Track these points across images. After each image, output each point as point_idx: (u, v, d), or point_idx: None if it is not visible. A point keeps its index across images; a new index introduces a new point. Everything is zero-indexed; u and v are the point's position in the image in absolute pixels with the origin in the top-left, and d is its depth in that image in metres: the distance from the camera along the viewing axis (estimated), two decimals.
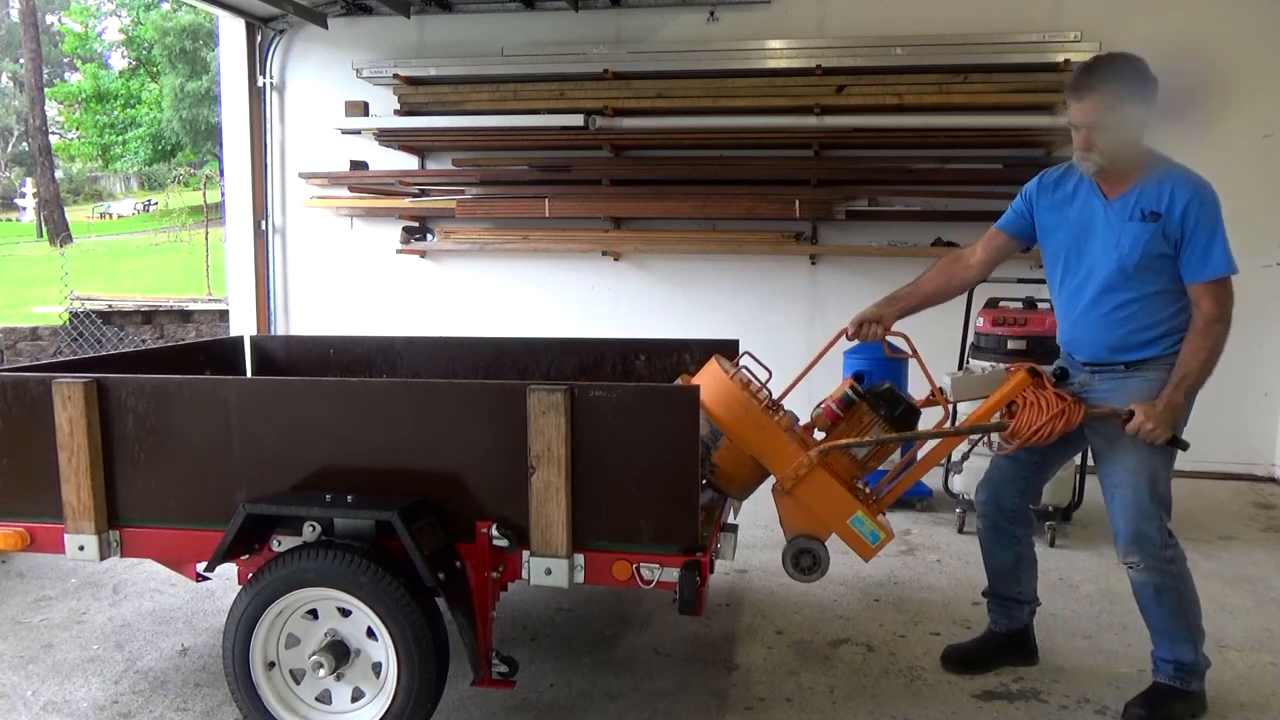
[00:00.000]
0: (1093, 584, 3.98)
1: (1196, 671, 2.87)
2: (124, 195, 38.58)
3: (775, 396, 3.01)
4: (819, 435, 2.94)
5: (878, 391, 2.89)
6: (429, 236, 6.73)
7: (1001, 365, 3.09)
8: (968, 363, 3.05)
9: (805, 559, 2.78)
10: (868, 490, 2.93)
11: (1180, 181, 2.73)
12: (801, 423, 2.98)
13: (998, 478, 3.12)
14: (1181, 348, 2.74)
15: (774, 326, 6.29)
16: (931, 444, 2.95)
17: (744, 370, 3.05)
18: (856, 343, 3.14)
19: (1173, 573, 2.82)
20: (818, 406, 2.96)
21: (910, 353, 3.10)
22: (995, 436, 2.93)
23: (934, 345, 3.43)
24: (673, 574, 2.41)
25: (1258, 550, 4.48)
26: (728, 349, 3.76)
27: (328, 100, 6.67)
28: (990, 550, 3.19)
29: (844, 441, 2.79)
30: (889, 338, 3.10)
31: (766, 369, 3.05)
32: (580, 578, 2.49)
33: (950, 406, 3.08)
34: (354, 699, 2.58)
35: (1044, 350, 4.08)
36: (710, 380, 2.80)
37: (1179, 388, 2.70)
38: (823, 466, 2.71)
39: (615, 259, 6.55)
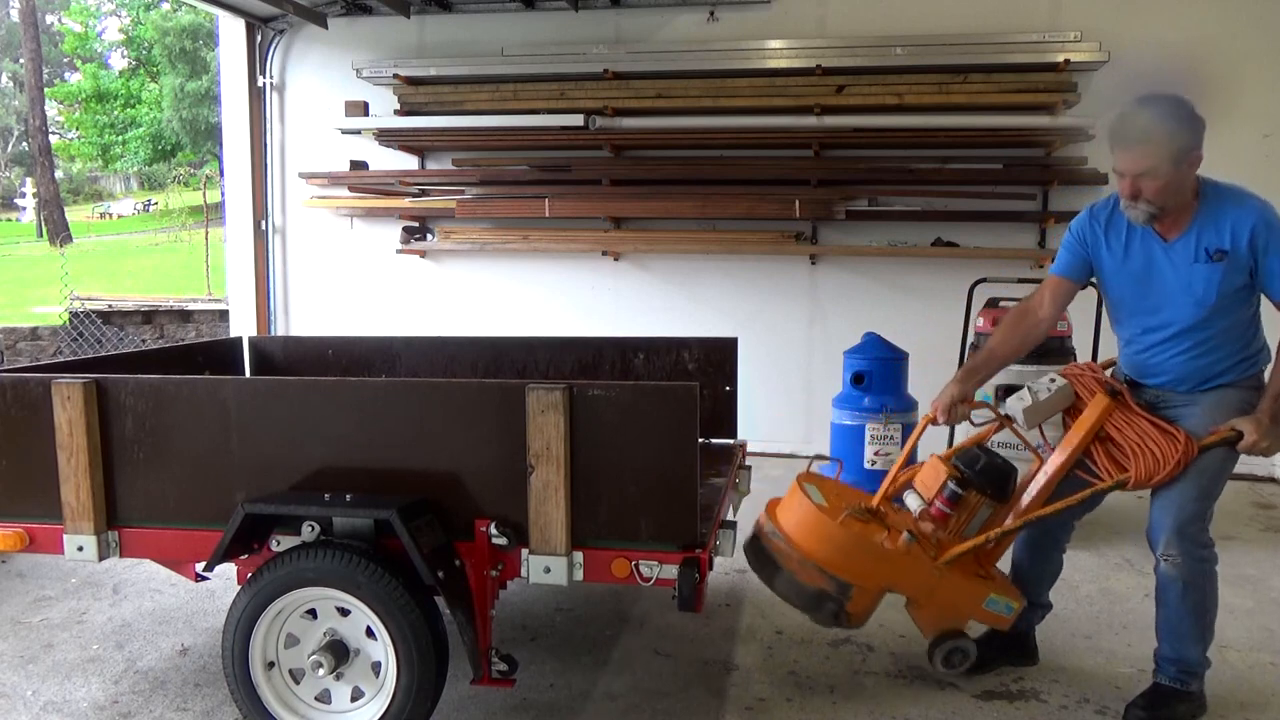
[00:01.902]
0: (1093, 584, 3.98)
1: (1198, 673, 2.85)
2: (124, 195, 38.57)
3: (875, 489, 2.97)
4: (921, 518, 2.90)
5: (978, 470, 2.82)
6: (429, 236, 6.73)
7: (1058, 377, 2.97)
8: (1027, 385, 2.99)
9: (956, 657, 2.89)
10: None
11: (1239, 211, 2.66)
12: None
13: (1066, 484, 2.96)
14: (1277, 362, 2.71)
15: (774, 326, 6.30)
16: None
17: (826, 478, 2.99)
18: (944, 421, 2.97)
19: (1204, 572, 2.77)
20: (908, 487, 2.90)
21: (996, 418, 3.05)
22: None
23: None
24: (672, 571, 2.41)
25: (1258, 550, 4.48)
26: (727, 348, 3.77)
27: (328, 100, 6.67)
28: (1030, 558, 3.12)
29: (968, 546, 2.78)
30: (973, 412, 3.04)
31: (836, 460, 2.99)
32: (579, 575, 2.49)
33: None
34: (353, 698, 2.58)
35: (1046, 351, 4.06)
36: (811, 524, 2.72)
37: (1275, 399, 2.67)
38: (951, 570, 2.74)
39: (615, 259, 6.55)
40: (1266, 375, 2.79)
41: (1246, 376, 2.80)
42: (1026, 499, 2.90)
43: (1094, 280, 2.98)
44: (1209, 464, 2.74)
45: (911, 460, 3.04)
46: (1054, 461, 2.89)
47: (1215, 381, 2.79)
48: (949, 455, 2.92)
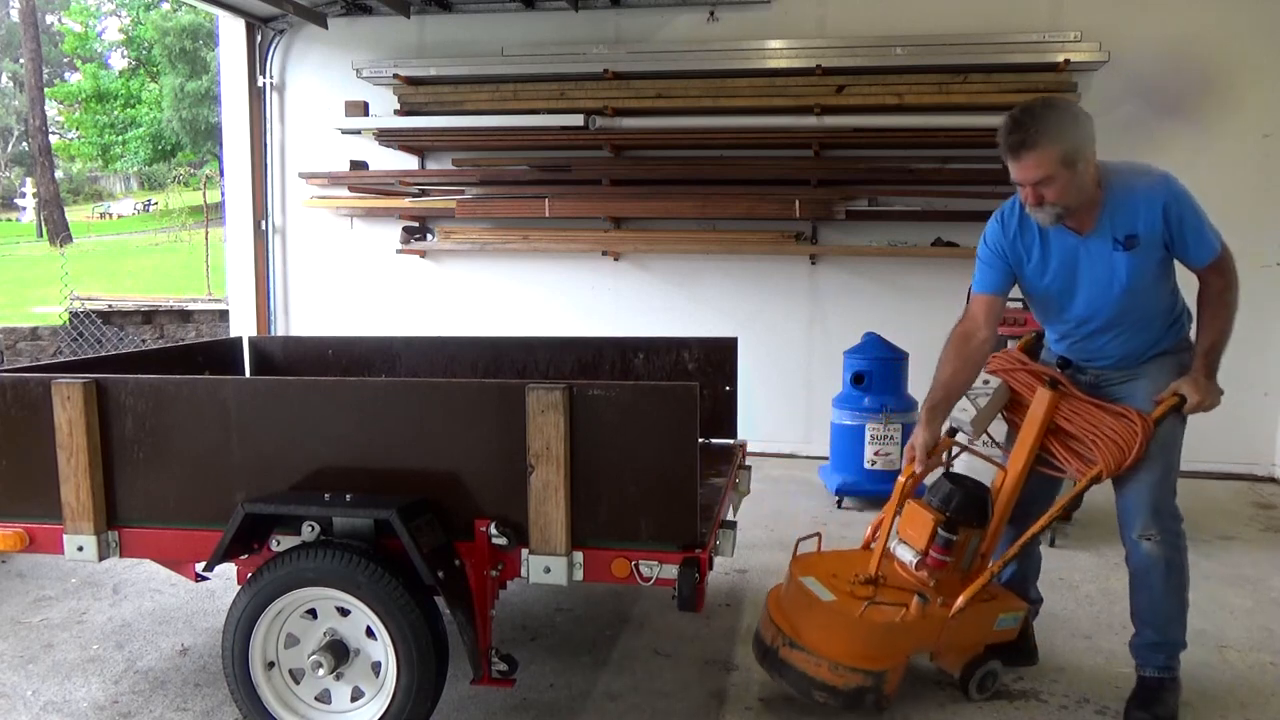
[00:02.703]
0: (1093, 584, 3.98)
1: (1179, 654, 2.90)
2: (124, 195, 38.57)
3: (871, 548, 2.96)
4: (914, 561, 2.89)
5: (960, 506, 2.82)
6: (429, 236, 6.73)
7: (990, 377, 3.03)
8: (964, 394, 3.03)
9: (989, 680, 2.93)
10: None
11: (1145, 191, 2.70)
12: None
13: (1041, 485, 3.01)
14: (1201, 321, 2.80)
15: (774, 326, 6.30)
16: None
17: (817, 556, 2.96)
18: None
19: (1181, 547, 2.83)
20: (899, 540, 2.89)
21: (970, 445, 3.07)
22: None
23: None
24: (672, 571, 2.41)
25: (1258, 550, 4.48)
26: (727, 348, 3.77)
27: (328, 100, 6.67)
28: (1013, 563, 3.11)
29: (976, 588, 2.77)
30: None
31: (815, 535, 3.00)
32: (579, 575, 2.49)
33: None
34: (353, 698, 2.58)
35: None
36: (832, 626, 2.67)
37: (1210, 356, 2.76)
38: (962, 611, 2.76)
39: (615, 259, 6.55)
40: (1193, 334, 2.86)
41: (1178, 340, 2.89)
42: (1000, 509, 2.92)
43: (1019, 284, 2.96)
44: (1165, 438, 2.79)
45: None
46: (1014, 467, 2.91)
47: (1151, 352, 2.87)
48: (924, 499, 2.90)
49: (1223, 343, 2.78)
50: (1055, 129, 2.60)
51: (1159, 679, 2.86)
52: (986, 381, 3.00)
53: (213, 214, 15.16)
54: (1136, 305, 2.80)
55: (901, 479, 2.98)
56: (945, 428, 2.98)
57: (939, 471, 3.02)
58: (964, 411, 2.99)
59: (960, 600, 2.76)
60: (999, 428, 3.10)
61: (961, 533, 2.80)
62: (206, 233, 14.24)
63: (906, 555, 2.85)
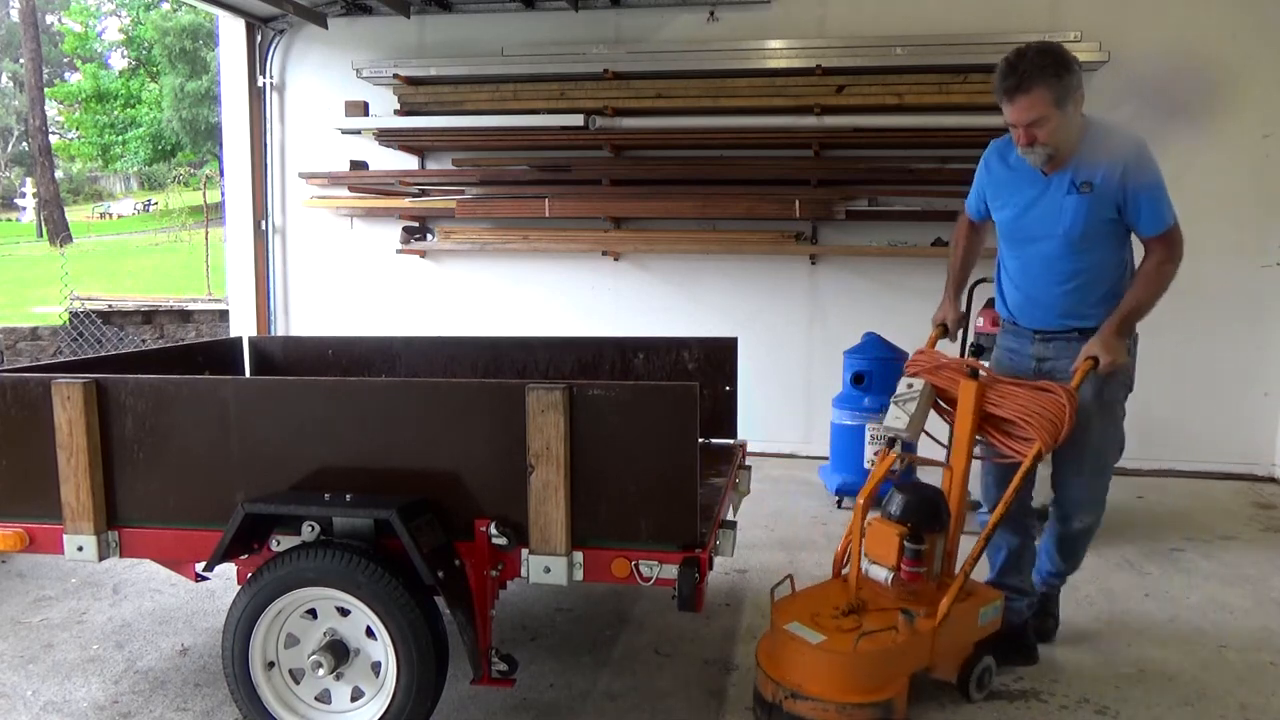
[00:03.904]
0: (1093, 584, 3.98)
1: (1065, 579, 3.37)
2: (124, 195, 38.57)
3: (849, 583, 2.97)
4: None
5: (918, 513, 2.85)
6: (429, 236, 6.73)
7: (913, 380, 3.11)
8: (892, 401, 3.12)
9: (987, 676, 2.95)
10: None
11: (1115, 149, 2.83)
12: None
13: (1002, 476, 3.14)
14: (1133, 285, 2.93)
15: (774, 326, 6.30)
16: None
17: (792, 598, 2.95)
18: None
19: (1101, 520, 3.21)
20: (870, 562, 2.89)
21: (887, 447, 3.14)
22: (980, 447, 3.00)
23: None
24: (671, 571, 2.41)
25: (1258, 550, 4.48)
26: (727, 348, 3.77)
27: (328, 100, 6.67)
28: (997, 542, 3.25)
29: (954, 592, 2.80)
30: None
31: (789, 578, 3.00)
32: (579, 575, 2.49)
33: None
34: (353, 698, 2.58)
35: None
36: (829, 669, 2.65)
37: (1125, 316, 2.88)
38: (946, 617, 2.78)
39: (615, 259, 6.55)
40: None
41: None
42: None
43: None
44: (1098, 441, 3.02)
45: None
46: (957, 462, 2.99)
47: (1085, 321, 2.97)
48: (882, 515, 2.93)
49: (1141, 310, 2.90)
50: (1048, 72, 2.75)
51: (1053, 594, 3.35)
52: (911, 385, 3.09)
53: (213, 214, 15.16)
54: (1076, 255, 2.92)
55: (860, 499, 2.99)
56: (884, 439, 3.10)
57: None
58: (897, 420, 3.05)
59: (943, 606, 2.78)
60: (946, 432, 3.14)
61: (927, 539, 2.83)
62: (206, 233, 14.24)
63: (880, 575, 2.85)
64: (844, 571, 3.05)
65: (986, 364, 3.18)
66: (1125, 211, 2.85)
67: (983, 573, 3.24)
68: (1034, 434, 2.83)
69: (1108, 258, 2.94)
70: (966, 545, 2.99)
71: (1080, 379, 2.86)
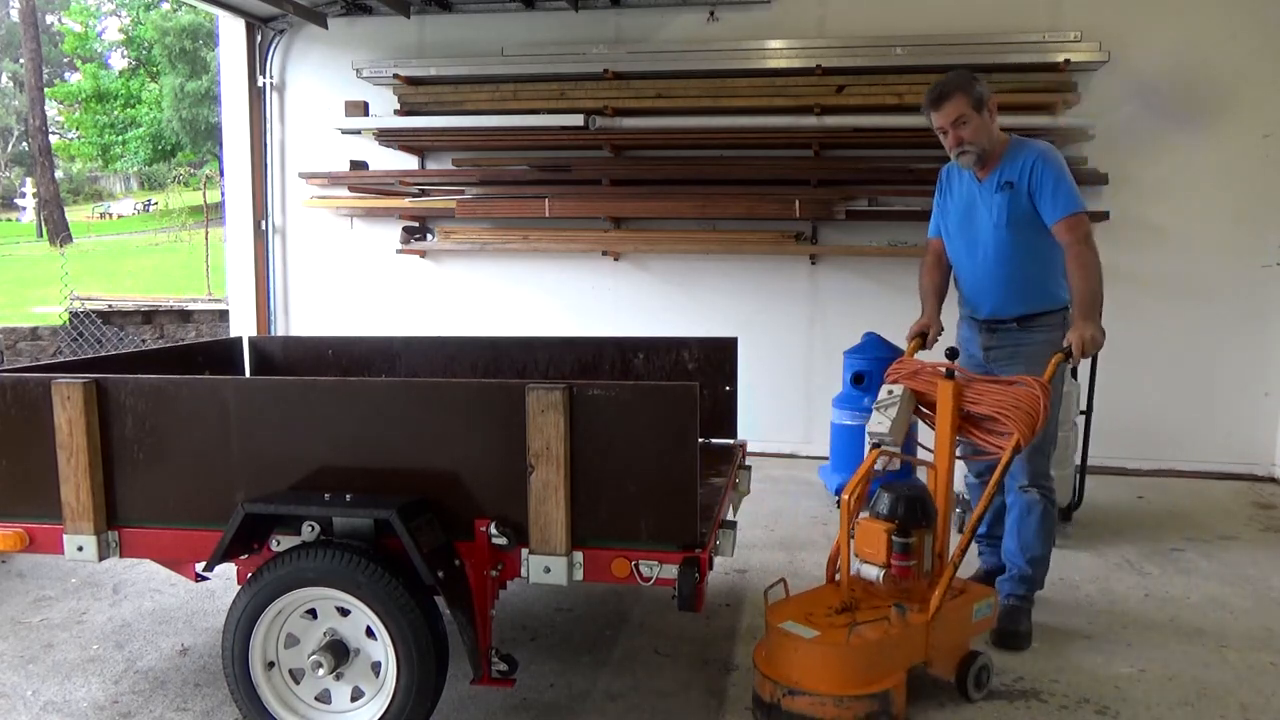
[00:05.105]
0: (1093, 584, 3.98)
1: (1035, 592, 3.50)
2: (124, 195, 38.58)
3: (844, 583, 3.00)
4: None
5: (905, 511, 2.89)
6: (429, 236, 6.73)
7: (893, 387, 3.20)
8: (874, 407, 3.21)
9: (984, 675, 2.97)
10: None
11: (1027, 151, 3.31)
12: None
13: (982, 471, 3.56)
14: (1069, 284, 3.27)
15: (774, 326, 6.30)
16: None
17: (784, 602, 2.97)
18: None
19: (1053, 501, 3.48)
20: (861, 561, 2.93)
21: (872, 450, 3.19)
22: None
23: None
24: (671, 571, 2.41)
25: (1258, 550, 4.48)
26: (727, 348, 3.77)
27: (328, 100, 6.67)
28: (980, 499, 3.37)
29: (944, 585, 2.84)
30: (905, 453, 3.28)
31: (782, 581, 3.05)
32: (579, 575, 2.49)
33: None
34: (353, 698, 2.58)
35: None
36: (825, 663, 2.67)
37: (1084, 309, 3.17)
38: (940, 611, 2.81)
39: (615, 259, 6.55)
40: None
41: (1049, 310, 3.39)
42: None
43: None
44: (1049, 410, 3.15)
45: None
46: (941, 461, 3.08)
47: (1024, 309, 3.38)
48: (869, 514, 2.99)
49: (1089, 296, 3.17)
50: (962, 82, 3.30)
51: (1017, 607, 3.40)
52: (891, 391, 3.20)
53: (213, 214, 15.16)
54: (1008, 245, 3.33)
55: (845, 494, 3.03)
56: (868, 443, 3.19)
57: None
58: (880, 425, 3.14)
59: (934, 599, 2.81)
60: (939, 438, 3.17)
61: (915, 534, 2.86)
62: (206, 233, 14.24)
63: (871, 573, 2.89)
64: (836, 576, 3.08)
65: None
66: (1035, 200, 3.26)
67: (975, 571, 3.26)
68: (1012, 428, 2.93)
69: (1034, 243, 3.31)
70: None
71: (1053, 370, 3.07)
